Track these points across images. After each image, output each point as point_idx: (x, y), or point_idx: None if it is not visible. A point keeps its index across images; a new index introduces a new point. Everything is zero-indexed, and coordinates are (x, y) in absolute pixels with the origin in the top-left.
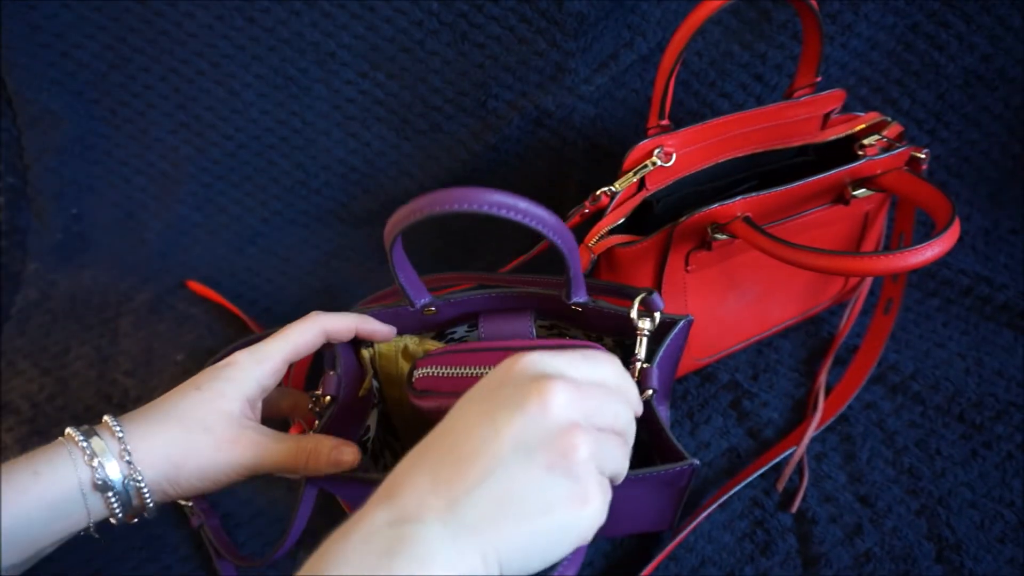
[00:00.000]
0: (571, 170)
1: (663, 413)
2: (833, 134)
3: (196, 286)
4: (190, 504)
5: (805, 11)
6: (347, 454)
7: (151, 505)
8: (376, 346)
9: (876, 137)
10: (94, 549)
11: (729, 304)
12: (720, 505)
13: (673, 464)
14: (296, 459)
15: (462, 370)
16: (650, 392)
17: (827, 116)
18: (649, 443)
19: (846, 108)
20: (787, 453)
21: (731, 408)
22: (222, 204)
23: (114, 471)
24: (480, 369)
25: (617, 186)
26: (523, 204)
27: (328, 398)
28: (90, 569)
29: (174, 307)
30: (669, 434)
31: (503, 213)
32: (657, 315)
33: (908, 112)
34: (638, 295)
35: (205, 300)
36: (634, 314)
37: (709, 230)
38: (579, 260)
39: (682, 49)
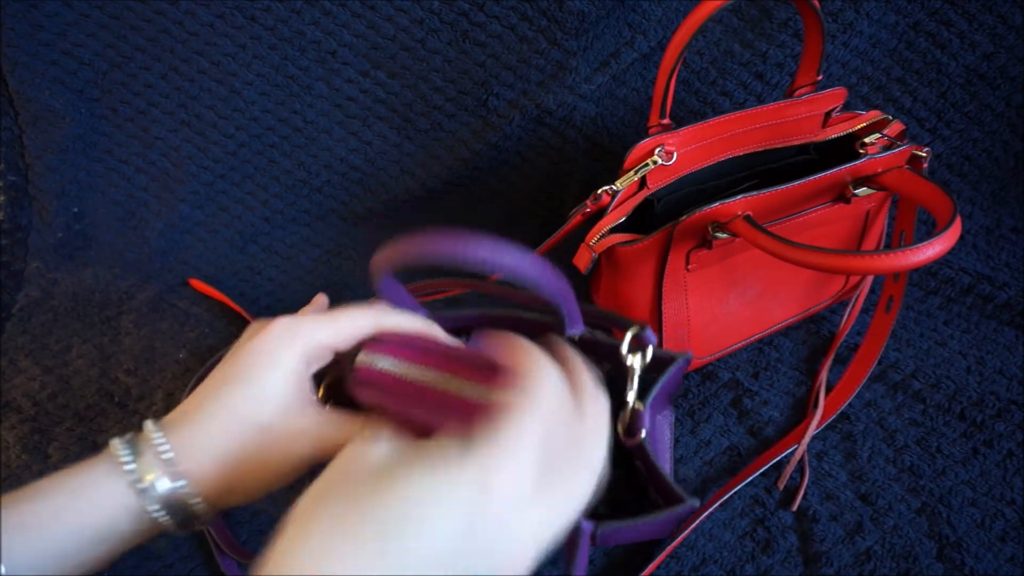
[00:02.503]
0: (572, 169)
1: (667, 417)
2: (834, 132)
3: (198, 284)
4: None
5: (806, 9)
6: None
7: (208, 515)
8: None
9: (877, 135)
10: None
11: (730, 303)
12: (721, 503)
13: (671, 508)
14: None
15: (411, 370)
16: (643, 433)
17: (828, 114)
18: (646, 478)
19: (847, 106)
20: (788, 451)
21: (732, 406)
22: (223, 203)
23: (165, 489)
24: (430, 372)
25: (618, 185)
26: (509, 260)
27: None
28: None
29: (176, 305)
30: (667, 479)
31: (486, 269)
32: (650, 350)
33: (909, 110)
34: (630, 328)
35: (207, 298)
36: (624, 349)
37: (710, 229)
38: (573, 300)
39: (683, 48)
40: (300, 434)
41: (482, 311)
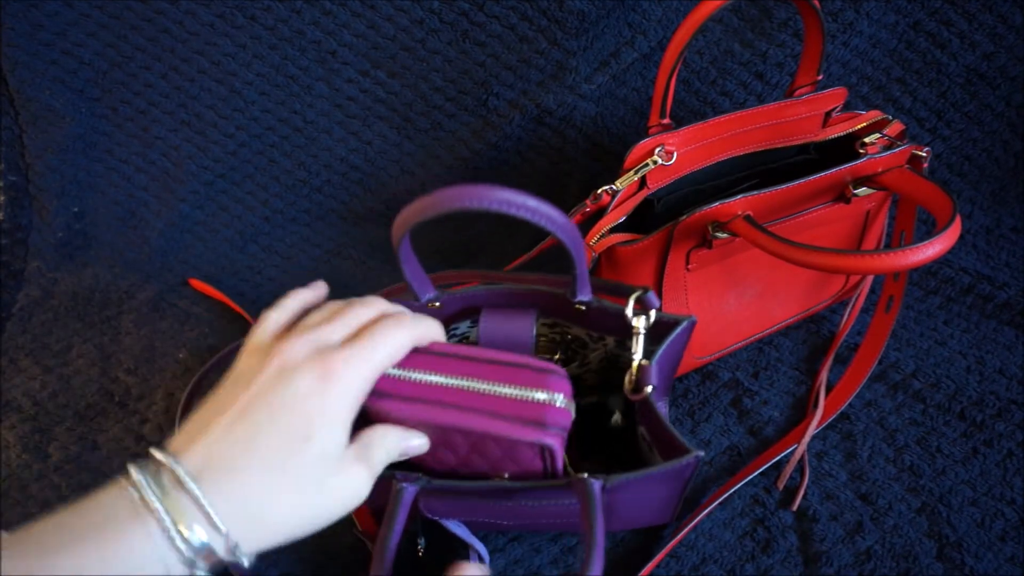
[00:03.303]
0: (572, 168)
1: (662, 410)
2: (834, 132)
3: (198, 284)
4: None
5: (806, 9)
6: (415, 448)
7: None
8: None
9: (877, 135)
10: None
11: (730, 302)
12: (721, 503)
13: (677, 459)
14: (378, 464)
15: (427, 376)
16: (649, 389)
17: (828, 114)
18: (650, 442)
19: (847, 106)
20: (788, 451)
21: (732, 406)
22: (223, 202)
23: (199, 541)
24: (448, 379)
25: (618, 184)
26: (532, 202)
27: None
28: None
29: (176, 305)
30: (670, 428)
31: (512, 211)
32: (652, 313)
33: (909, 110)
34: (634, 293)
35: (207, 298)
36: (629, 311)
37: (710, 228)
38: (584, 258)
39: (683, 47)
40: (354, 492)
41: (490, 288)
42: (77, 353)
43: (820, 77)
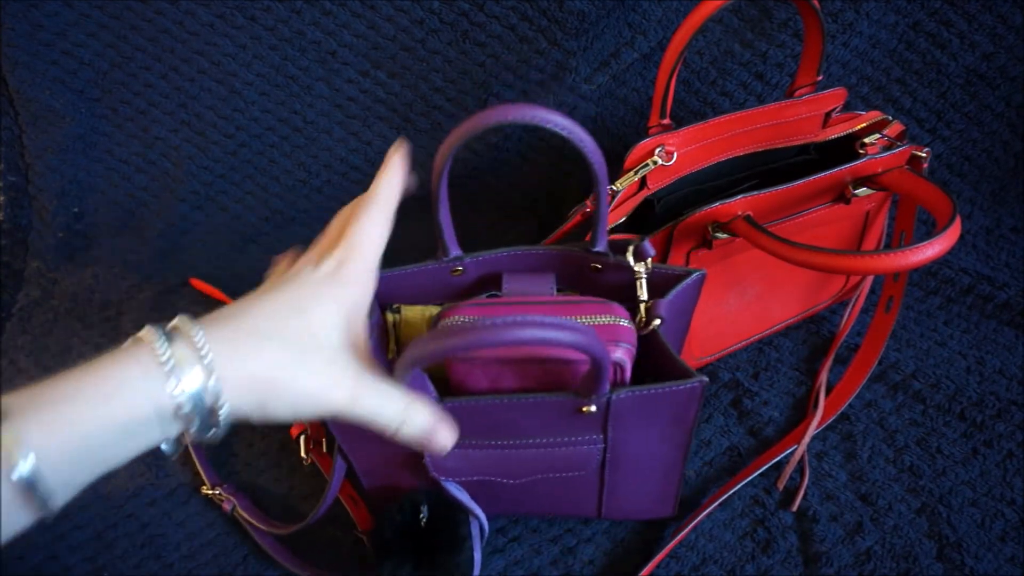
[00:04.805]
0: (572, 169)
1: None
2: (834, 133)
3: (198, 284)
4: (218, 492)
5: (806, 9)
6: (442, 440)
7: (225, 428)
8: (402, 313)
9: (877, 136)
10: (96, 548)
11: (730, 303)
12: (721, 503)
13: (683, 380)
14: (391, 419)
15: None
16: (658, 322)
17: (828, 115)
18: (655, 377)
19: (847, 107)
20: (788, 452)
21: (732, 407)
22: (223, 203)
23: (197, 396)
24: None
25: (618, 185)
26: (564, 121)
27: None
28: (92, 567)
29: (176, 305)
30: (678, 359)
31: (549, 126)
32: (649, 261)
33: (909, 111)
34: (630, 244)
35: (207, 298)
36: (630, 258)
37: (710, 229)
38: (607, 196)
39: (683, 48)
40: (340, 382)
41: (510, 252)
42: (77, 354)
43: (820, 77)
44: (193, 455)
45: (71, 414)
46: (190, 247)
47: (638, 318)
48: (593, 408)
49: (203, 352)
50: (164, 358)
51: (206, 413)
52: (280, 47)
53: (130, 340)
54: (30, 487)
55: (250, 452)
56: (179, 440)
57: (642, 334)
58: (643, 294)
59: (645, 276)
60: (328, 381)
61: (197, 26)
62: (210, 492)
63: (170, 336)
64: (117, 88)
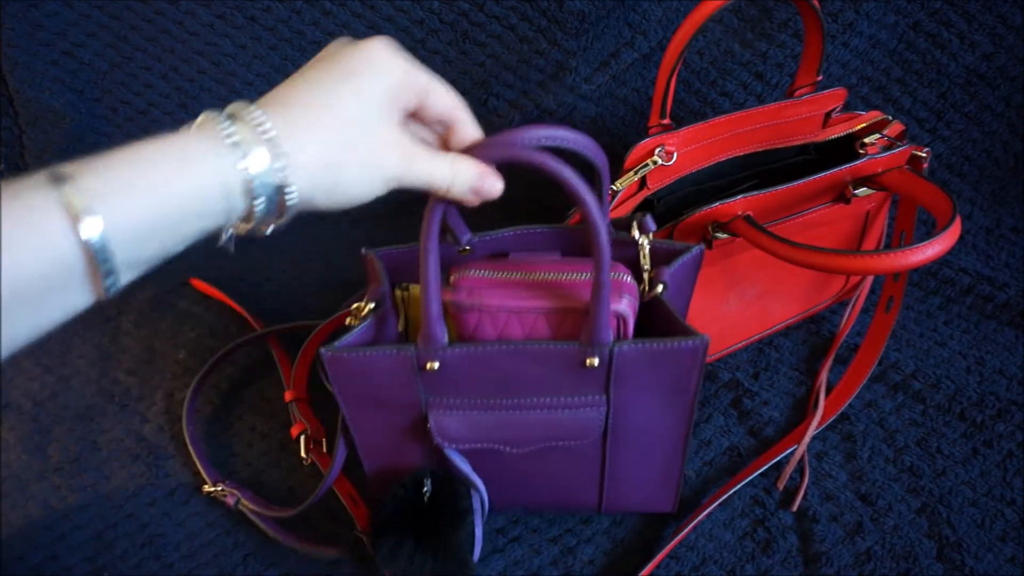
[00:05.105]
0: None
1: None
2: (834, 133)
3: (198, 284)
4: (220, 488)
5: (806, 9)
6: (492, 185)
7: (291, 211)
8: (410, 290)
9: (877, 136)
10: (96, 548)
11: (730, 303)
12: (721, 503)
13: (684, 337)
14: (443, 178)
15: (499, 274)
16: (661, 287)
17: (828, 115)
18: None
19: (847, 107)
20: (788, 452)
21: (732, 407)
22: None
23: (266, 176)
24: (518, 274)
25: (618, 185)
26: (562, 132)
27: (372, 305)
28: (92, 567)
29: (175, 305)
30: (682, 320)
31: (546, 143)
32: (651, 234)
33: (909, 111)
34: (633, 219)
35: (206, 298)
36: (636, 233)
37: (710, 229)
38: (608, 181)
39: (683, 48)
40: (394, 145)
41: (516, 231)
42: (77, 354)
43: (820, 77)
44: (192, 454)
45: (141, 181)
46: (190, 247)
47: (642, 287)
48: (596, 361)
49: (265, 127)
50: (228, 134)
51: (272, 191)
52: (280, 47)
53: (192, 124)
54: (98, 253)
55: (250, 452)
56: (233, 236)
57: (645, 300)
58: (646, 263)
59: (648, 247)
60: (383, 145)
61: (197, 26)
62: (212, 489)
63: (231, 117)
64: (117, 88)
